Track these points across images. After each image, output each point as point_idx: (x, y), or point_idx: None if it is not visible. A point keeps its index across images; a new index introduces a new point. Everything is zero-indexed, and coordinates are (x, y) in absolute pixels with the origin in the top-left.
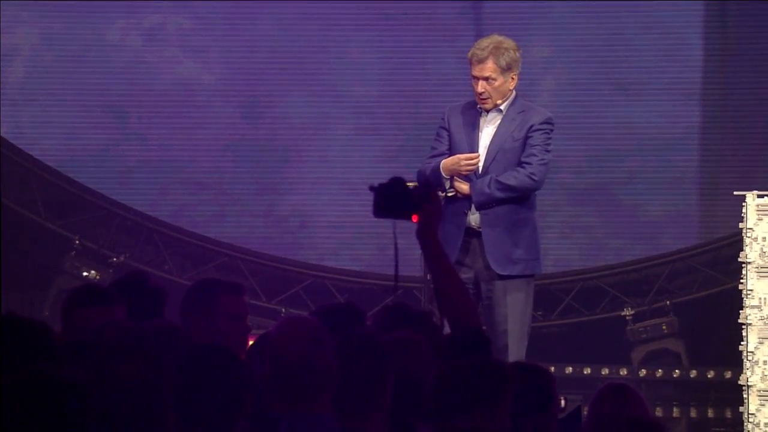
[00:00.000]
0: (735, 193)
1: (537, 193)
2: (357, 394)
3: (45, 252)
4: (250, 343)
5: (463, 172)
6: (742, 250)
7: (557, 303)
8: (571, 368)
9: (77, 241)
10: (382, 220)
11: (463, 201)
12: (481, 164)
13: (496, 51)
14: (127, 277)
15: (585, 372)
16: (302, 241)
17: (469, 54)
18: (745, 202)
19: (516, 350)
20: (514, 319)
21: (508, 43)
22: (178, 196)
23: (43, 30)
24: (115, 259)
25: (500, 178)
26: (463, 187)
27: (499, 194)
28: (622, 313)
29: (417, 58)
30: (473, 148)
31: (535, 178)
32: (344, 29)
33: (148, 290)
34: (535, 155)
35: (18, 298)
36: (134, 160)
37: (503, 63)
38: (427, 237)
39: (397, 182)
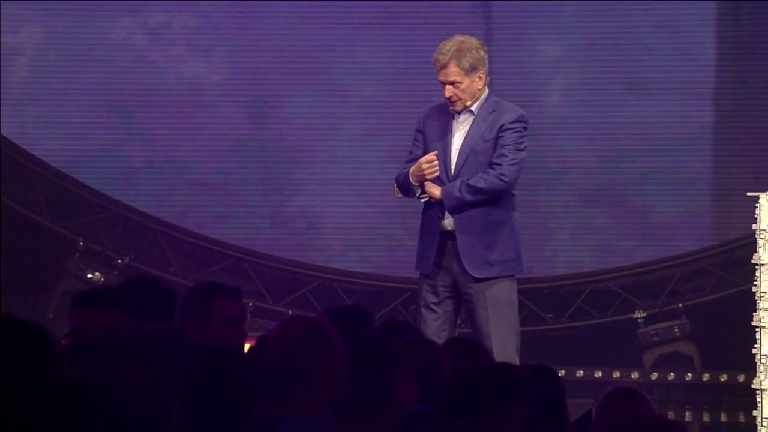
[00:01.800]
0: (748, 194)
1: (545, 193)
2: (364, 398)
3: (49, 254)
4: (248, 346)
5: (428, 176)
6: (755, 251)
7: (568, 305)
8: (581, 371)
9: (81, 243)
10: (390, 221)
11: (438, 205)
12: (453, 167)
13: (458, 53)
14: (137, 280)
15: (596, 375)
16: (309, 242)
17: (433, 59)
18: (758, 203)
19: (503, 352)
20: (496, 321)
21: (470, 42)
22: (183, 197)
23: (47, 29)
24: (119, 261)
25: (470, 181)
26: (434, 192)
27: (469, 197)
28: (634, 316)
29: (426, 58)
30: (446, 151)
31: (505, 179)
32: (352, 28)
33: (159, 293)
34: (505, 155)
35: (21, 301)
36: (139, 160)
37: (466, 65)
38: None
39: None
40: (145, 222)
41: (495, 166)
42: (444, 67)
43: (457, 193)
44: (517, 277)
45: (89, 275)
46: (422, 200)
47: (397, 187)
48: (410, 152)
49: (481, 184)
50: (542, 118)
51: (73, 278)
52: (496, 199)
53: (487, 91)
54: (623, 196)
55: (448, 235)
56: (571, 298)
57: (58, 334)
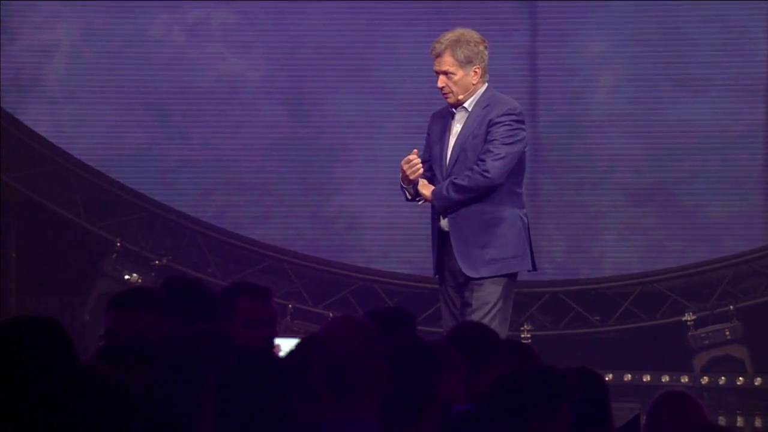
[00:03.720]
0: None
1: (592, 192)
2: (407, 400)
3: (85, 255)
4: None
5: (410, 177)
6: None
7: (615, 308)
8: (629, 375)
9: (118, 244)
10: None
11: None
12: (447, 166)
13: (454, 44)
14: (177, 281)
15: (644, 379)
16: (350, 243)
17: (430, 48)
18: None
19: None
20: (487, 322)
21: (471, 35)
22: (221, 197)
23: (84, 26)
24: (157, 262)
25: (455, 180)
26: (426, 192)
27: (455, 196)
28: (683, 319)
29: None
30: (443, 152)
31: (488, 175)
32: (393, 25)
33: (200, 295)
34: (490, 151)
35: (58, 302)
36: (177, 159)
37: (461, 56)
38: None
39: None
40: (183, 222)
41: (479, 162)
42: (439, 55)
43: (444, 193)
44: (518, 276)
45: (126, 276)
46: (419, 203)
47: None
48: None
49: (465, 182)
50: (589, 116)
51: (110, 279)
52: (490, 196)
53: (484, 87)
54: (672, 196)
55: (446, 236)
56: (618, 300)
57: (94, 336)
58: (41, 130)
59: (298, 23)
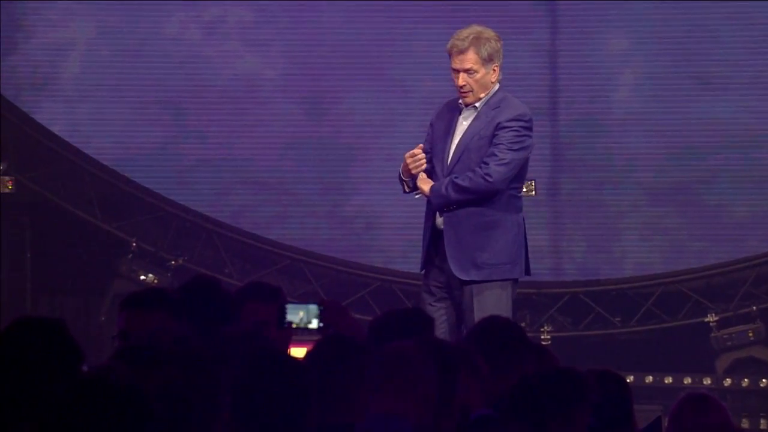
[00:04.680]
0: None
1: (612, 191)
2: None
3: (101, 255)
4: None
5: (413, 171)
6: None
7: (637, 308)
8: (651, 377)
9: (134, 244)
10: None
11: None
12: (449, 163)
13: (477, 41)
14: (196, 282)
15: (666, 381)
16: (368, 243)
17: (449, 46)
18: None
19: None
20: None
21: (489, 33)
22: (238, 197)
23: (100, 24)
24: (173, 262)
25: (456, 179)
26: (424, 187)
27: (455, 195)
28: (706, 320)
29: None
30: (446, 148)
31: (490, 179)
32: (412, 23)
33: (220, 296)
34: (495, 155)
35: (73, 303)
36: (193, 158)
37: (485, 54)
38: None
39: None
40: (200, 222)
41: (483, 165)
42: (462, 52)
43: (443, 191)
44: (520, 280)
45: (142, 277)
46: (416, 197)
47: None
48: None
49: (465, 183)
50: (610, 114)
51: (126, 280)
52: (489, 199)
53: (497, 87)
54: (694, 195)
55: (440, 234)
56: (640, 301)
57: (110, 338)
58: (56, 129)
59: (316, 21)
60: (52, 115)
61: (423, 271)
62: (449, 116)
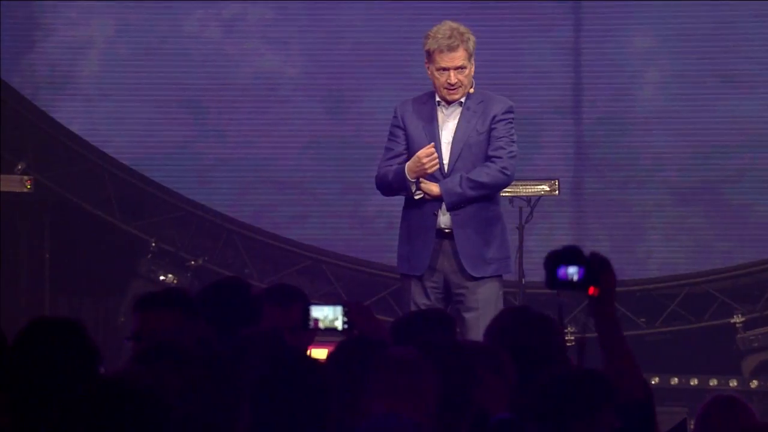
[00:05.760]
0: None
1: (637, 191)
2: (445, 404)
3: (120, 255)
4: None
5: (428, 171)
6: None
7: (662, 309)
8: (676, 379)
9: (154, 244)
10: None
11: (432, 202)
12: (446, 162)
13: (462, 37)
14: (222, 283)
15: (692, 383)
16: (389, 243)
17: (434, 45)
18: None
19: None
20: (486, 323)
21: (464, 27)
22: (258, 196)
23: (119, 22)
24: (193, 263)
25: (471, 176)
26: (433, 188)
27: (471, 193)
28: (732, 320)
29: (511, 50)
30: (436, 147)
31: (507, 172)
32: (432, 21)
33: (242, 298)
34: (503, 148)
35: (92, 303)
36: (213, 158)
37: (471, 49)
38: (604, 313)
39: (573, 252)
40: (220, 222)
41: (495, 159)
42: (453, 50)
43: (458, 189)
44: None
45: (161, 277)
46: (416, 197)
47: (382, 186)
48: (389, 149)
49: (484, 179)
50: (634, 113)
51: (145, 280)
52: (492, 194)
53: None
54: (720, 195)
55: (442, 234)
56: (665, 302)
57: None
58: (75, 128)
59: (336, 19)
60: (71, 114)
61: (414, 275)
62: (426, 113)
